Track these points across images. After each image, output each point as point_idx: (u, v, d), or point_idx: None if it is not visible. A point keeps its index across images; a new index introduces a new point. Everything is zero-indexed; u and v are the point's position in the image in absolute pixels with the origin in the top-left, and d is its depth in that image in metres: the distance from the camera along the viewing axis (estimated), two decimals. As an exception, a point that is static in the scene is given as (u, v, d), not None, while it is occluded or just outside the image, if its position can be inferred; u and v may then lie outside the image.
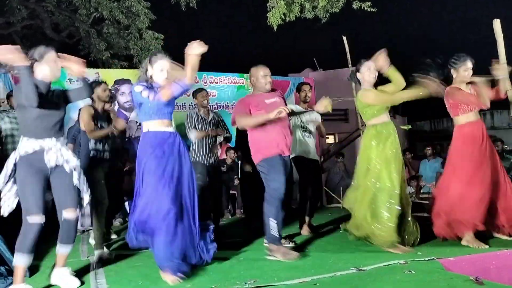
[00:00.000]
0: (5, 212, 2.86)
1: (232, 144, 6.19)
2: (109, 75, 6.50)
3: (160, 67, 3.19)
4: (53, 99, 2.99)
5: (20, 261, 2.81)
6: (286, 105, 3.88)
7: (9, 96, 5.00)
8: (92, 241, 4.24)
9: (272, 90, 3.94)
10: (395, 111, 13.01)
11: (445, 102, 4.05)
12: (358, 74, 3.92)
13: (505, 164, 7.28)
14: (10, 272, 3.12)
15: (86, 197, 3.08)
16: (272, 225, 3.56)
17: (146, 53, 10.09)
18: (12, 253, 3.15)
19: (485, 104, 3.84)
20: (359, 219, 3.68)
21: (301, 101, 4.98)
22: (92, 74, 6.34)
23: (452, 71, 3.99)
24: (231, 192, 6.66)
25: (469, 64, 3.95)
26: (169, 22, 12.10)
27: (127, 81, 6.37)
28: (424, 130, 18.24)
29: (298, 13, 8.12)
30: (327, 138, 11.35)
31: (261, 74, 3.80)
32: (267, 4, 7.95)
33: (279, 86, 6.96)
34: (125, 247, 4.17)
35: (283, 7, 7.79)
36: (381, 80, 3.92)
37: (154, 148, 3.12)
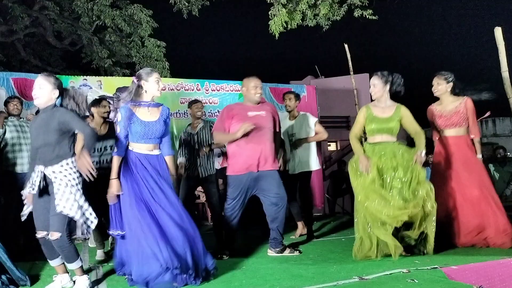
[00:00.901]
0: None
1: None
2: (111, 82, 6.51)
3: (155, 79, 3.32)
4: (42, 127, 2.98)
5: (53, 264, 3.14)
6: (275, 120, 4.06)
7: (6, 102, 4.87)
8: (91, 245, 4.52)
9: (263, 103, 4.11)
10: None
11: None
12: None
13: (507, 171, 7.29)
14: (12, 281, 3.13)
15: (93, 224, 3.06)
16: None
17: (148, 60, 10.12)
18: (13, 262, 3.17)
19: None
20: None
21: (286, 110, 5.10)
22: (94, 81, 6.35)
23: None
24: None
25: (433, 81, 4.23)
26: (171, 30, 12.15)
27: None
28: (426, 137, 18.21)
29: (300, 21, 8.15)
30: (329, 145, 11.35)
31: (252, 85, 3.94)
32: (269, 12, 7.99)
33: (281, 93, 6.97)
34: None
35: (285, 15, 7.82)
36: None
37: (130, 168, 3.21)
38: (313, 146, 5.01)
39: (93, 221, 3.03)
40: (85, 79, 6.34)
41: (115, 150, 3.23)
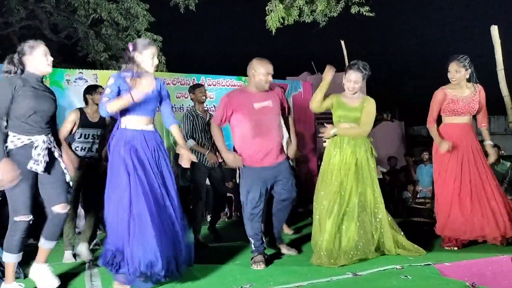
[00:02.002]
0: None
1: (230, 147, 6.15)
2: (108, 76, 6.42)
3: (151, 54, 3.07)
4: (43, 93, 2.94)
5: (9, 259, 2.81)
6: (283, 104, 3.76)
7: None
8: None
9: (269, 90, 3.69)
10: (393, 115, 13.01)
11: None
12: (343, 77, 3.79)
13: (501, 170, 7.32)
14: (5, 273, 3.10)
15: None
16: (250, 240, 3.58)
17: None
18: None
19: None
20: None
21: None
22: (90, 75, 6.32)
23: None
24: (228, 194, 6.66)
25: (450, 67, 3.96)
26: (168, 24, 12.06)
27: (125, 82, 6.35)
28: (421, 135, 18.24)
29: (297, 17, 8.14)
30: (324, 141, 11.36)
31: (263, 71, 3.54)
32: (266, 8, 7.96)
33: (277, 89, 6.97)
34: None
35: (282, 10, 7.79)
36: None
37: (126, 147, 2.95)
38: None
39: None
40: (80, 72, 6.30)
41: (104, 99, 2.93)
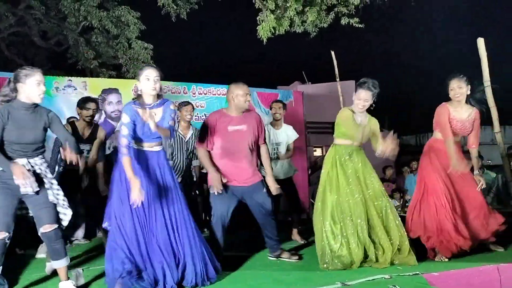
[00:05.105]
0: None
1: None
2: (97, 84, 6.44)
3: (145, 76, 3.15)
4: (30, 122, 2.95)
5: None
6: (259, 132, 3.89)
7: None
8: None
9: (248, 111, 3.90)
10: (381, 125, 13.13)
11: None
12: (354, 94, 3.88)
13: (485, 180, 7.38)
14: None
15: (66, 216, 3.05)
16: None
17: (135, 63, 10.04)
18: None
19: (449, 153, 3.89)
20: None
21: (273, 119, 5.11)
22: (79, 83, 6.28)
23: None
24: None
25: (452, 84, 3.92)
26: (158, 33, 12.08)
27: (114, 90, 6.30)
28: (409, 144, 18.43)
29: (288, 27, 8.19)
30: (315, 150, 11.41)
31: (241, 93, 3.74)
32: (257, 18, 8.01)
33: (268, 98, 6.98)
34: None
35: (273, 21, 7.84)
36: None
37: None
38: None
39: (67, 213, 3.04)
40: (70, 79, 6.25)
41: (124, 151, 3.03)
